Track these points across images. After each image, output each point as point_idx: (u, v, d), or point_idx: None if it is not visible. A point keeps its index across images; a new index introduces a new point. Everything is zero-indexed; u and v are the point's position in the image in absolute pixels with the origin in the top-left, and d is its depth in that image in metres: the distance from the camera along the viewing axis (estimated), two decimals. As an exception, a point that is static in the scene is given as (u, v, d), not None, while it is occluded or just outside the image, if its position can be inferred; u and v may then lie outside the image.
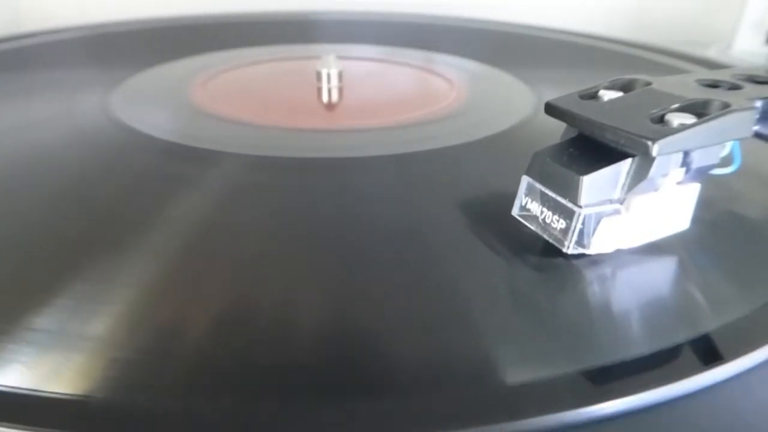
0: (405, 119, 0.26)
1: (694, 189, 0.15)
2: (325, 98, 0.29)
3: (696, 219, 0.16)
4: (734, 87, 0.16)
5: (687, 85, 0.16)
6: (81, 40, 0.40)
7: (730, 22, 0.41)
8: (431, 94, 0.31)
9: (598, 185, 0.14)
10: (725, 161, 0.16)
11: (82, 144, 0.23)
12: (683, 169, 0.14)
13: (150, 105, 0.27)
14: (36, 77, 0.33)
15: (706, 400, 0.12)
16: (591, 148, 0.15)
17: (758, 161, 0.22)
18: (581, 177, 0.14)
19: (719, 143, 0.14)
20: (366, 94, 0.31)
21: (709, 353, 0.13)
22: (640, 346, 0.13)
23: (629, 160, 0.14)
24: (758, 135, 0.18)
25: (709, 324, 0.14)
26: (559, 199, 0.14)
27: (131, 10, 0.46)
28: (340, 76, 0.30)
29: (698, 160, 0.14)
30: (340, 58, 0.30)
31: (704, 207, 0.18)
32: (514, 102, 0.28)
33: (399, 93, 0.32)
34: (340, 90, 0.30)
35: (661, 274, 0.16)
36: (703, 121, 0.13)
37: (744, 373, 0.13)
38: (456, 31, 0.46)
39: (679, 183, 0.15)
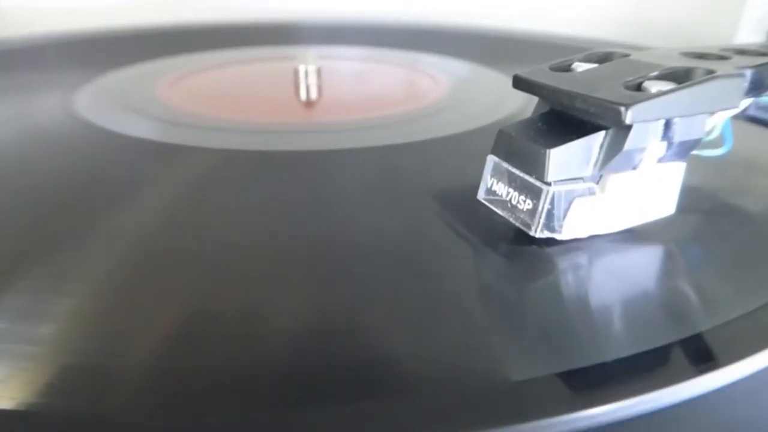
0: (386, 114, 0.25)
1: (679, 169, 0.14)
2: (303, 95, 0.28)
3: (692, 208, 0.15)
4: (722, 58, 0.14)
5: (670, 56, 0.14)
6: (54, 45, 0.40)
7: (730, 23, 0.40)
8: (415, 91, 0.30)
9: (568, 160, 0.13)
10: (716, 143, 0.15)
11: (41, 140, 0.22)
12: (664, 144, 0.13)
13: (116, 103, 0.26)
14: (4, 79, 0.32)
15: (697, 410, 0.10)
16: (562, 122, 0.13)
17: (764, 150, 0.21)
18: (548, 150, 0.12)
19: (703, 113, 0.13)
20: (348, 91, 0.30)
21: (700, 357, 0.11)
22: (620, 348, 0.11)
23: (602, 133, 0.13)
24: (752, 119, 0.16)
25: (701, 324, 0.12)
26: (526, 177, 0.13)
27: (115, 18, 0.46)
28: (319, 73, 0.29)
29: (681, 133, 0.13)
30: (323, 58, 0.29)
31: (701, 196, 0.17)
32: (504, 98, 0.27)
33: (382, 91, 0.31)
34: (319, 88, 0.29)
35: (645, 264, 0.14)
36: (685, 87, 0.12)
37: (742, 380, 0.11)
38: (449, 35, 0.45)
39: (660, 161, 0.13)
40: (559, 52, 0.15)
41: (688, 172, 0.14)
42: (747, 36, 0.38)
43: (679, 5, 0.47)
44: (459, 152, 0.21)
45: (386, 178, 0.19)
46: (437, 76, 0.31)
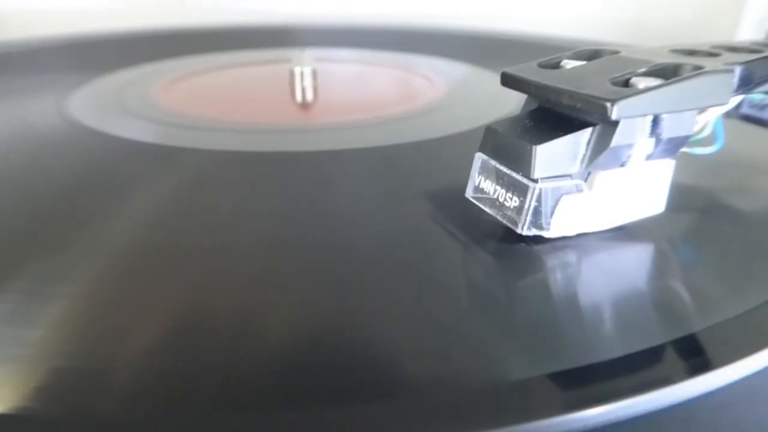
0: (381, 115, 0.25)
1: (668, 166, 0.14)
2: (298, 97, 0.28)
3: (683, 206, 0.14)
4: (712, 55, 0.14)
5: (659, 53, 0.14)
6: (50, 49, 0.40)
7: (729, 26, 0.40)
8: (411, 92, 0.30)
9: (555, 157, 0.12)
10: (707, 140, 0.15)
11: (37, 143, 0.22)
12: (652, 141, 0.13)
13: (111, 105, 0.26)
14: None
15: (689, 414, 0.10)
16: (549, 119, 0.13)
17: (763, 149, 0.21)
18: (534, 147, 0.12)
19: (691, 109, 0.13)
20: (343, 93, 0.30)
21: (693, 358, 0.11)
22: (609, 349, 0.11)
23: (589, 129, 0.12)
24: (746, 117, 0.16)
25: (693, 324, 0.12)
26: (513, 174, 0.13)
27: (111, 21, 0.46)
28: (315, 74, 0.29)
29: (669, 129, 0.13)
30: (318, 60, 0.29)
31: (692, 194, 0.16)
32: (500, 99, 0.27)
33: (378, 92, 0.31)
34: (315, 89, 0.29)
35: (634, 263, 0.14)
36: (672, 82, 0.12)
37: (734, 383, 0.11)
38: (445, 37, 0.45)
39: (649, 158, 0.13)
40: (556, 53, 0.15)
41: (679, 170, 0.14)
42: (747, 36, 0.38)
43: (678, 8, 0.46)
44: (454, 153, 0.21)
45: (381, 179, 0.19)
46: (433, 78, 0.31)
